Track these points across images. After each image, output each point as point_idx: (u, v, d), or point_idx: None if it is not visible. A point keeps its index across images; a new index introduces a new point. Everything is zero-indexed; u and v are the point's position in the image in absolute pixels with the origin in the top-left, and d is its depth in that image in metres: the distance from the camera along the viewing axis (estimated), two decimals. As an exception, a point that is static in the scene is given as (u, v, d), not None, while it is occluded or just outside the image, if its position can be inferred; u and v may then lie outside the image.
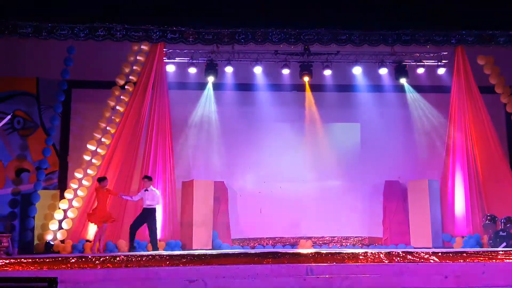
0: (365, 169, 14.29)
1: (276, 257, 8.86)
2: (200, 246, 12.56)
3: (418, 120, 14.53)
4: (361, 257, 8.85)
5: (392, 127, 14.53)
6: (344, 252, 9.07)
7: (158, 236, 12.58)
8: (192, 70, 13.96)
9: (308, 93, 14.50)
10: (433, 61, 14.25)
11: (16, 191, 12.98)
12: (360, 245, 14.01)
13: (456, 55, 13.75)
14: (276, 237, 13.98)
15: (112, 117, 13.24)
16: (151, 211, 11.67)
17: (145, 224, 11.69)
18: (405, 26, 11.82)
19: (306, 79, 14.12)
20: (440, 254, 8.95)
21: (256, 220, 13.98)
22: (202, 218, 12.88)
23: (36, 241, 12.37)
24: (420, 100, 14.57)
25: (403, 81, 14.31)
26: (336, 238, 14.08)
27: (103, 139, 13.04)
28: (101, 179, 11.73)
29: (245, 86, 14.38)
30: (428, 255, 8.88)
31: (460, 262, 8.85)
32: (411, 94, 14.54)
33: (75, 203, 12.58)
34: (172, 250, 12.22)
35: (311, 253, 9.01)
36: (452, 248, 12.38)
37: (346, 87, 14.55)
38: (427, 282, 8.35)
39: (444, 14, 11.57)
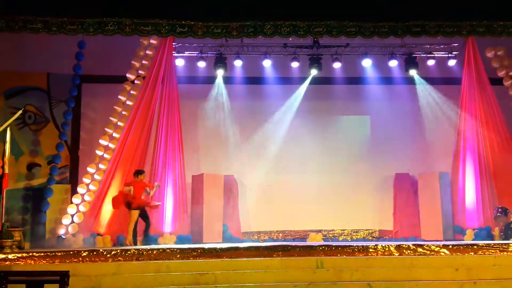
0: (375, 161, 14.26)
1: (286, 250, 8.90)
2: (211, 239, 12.59)
3: (428, 112, 14.45)
4: (371, 250, 8.87)
5: (402, 119, 14.46)
6: (354, 245, 9.07)
7: (169, 229, 12.69)
8: (201, 64, 13.95)
9: (318, 86, 14.48)
10: (444, 52, 14.14)
11: (29, 186, 13.08)
12: (370, 238, 14.01)
13: (467, 46, 13.64)
14: (286, 230, 14.00)
15: (122, 112, 13.28)
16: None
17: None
18: (415, 17, 11.72)
19: (314, 72, 14.09)
20: (450, 246, 8.95)
21: (266, 214, 14.00)
22: (212, 211, 12.90)
23: (48, 235, 12.47)
24: (431, 92, 14.48)
25: (413, 72, 14.23)
26: (346, 231, 14.08)
27: (114, 134, 13.09)
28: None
29: (254, 79, 14.36)
30: (438, 248, 8.88)
31: (471, 254, 8.85)
32: (421, 86, 14.46)
33: (86, 197, 12.66)
34: (183, 243, 12.27)
35: (321, 246, 9.03)
36: (463, 240, 12.33)
37: (355, 79, 14.49)
38: (437, 275, 8.34)
39: (455, 5, 11.48)
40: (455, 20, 11.79)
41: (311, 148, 14.31)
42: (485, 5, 11.55)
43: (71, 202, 12.63)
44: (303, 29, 11.73)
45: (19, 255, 8.47)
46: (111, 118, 13.16)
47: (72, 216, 12.46)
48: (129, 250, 8.79)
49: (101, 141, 13.00)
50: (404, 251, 8.89)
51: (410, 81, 14.51)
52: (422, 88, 14.43)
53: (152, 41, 13.42)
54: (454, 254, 8.84)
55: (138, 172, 11.83)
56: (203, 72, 14.15)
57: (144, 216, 11.66)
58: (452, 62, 14.10)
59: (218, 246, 9.52)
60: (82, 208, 12.58)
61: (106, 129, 13.09)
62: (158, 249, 8.84)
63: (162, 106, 13.36)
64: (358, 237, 14.02)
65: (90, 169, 12.82)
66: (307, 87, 14.45)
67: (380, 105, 14.44)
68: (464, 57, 13.74)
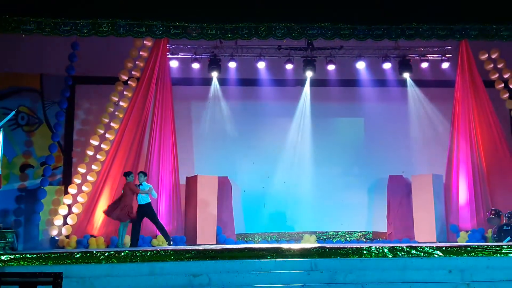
0: (369, 163, 14.30)
1: (280, 252, 8.88)
2: (205, 241, 12.58)
3: (422, 114, 14.50)
4: (365, 251, 8.86)
5: (396, 121, 14.51)
6: (348, 246, 9.07)
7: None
8: (196, 66, 13.95)
9: (312, 88, 14.49)
10: (437, 55, 14.22)
11: (22, 187, 13.02)
12: (364, 239, 14.03)
13: (460, 49, 13.72)
14: (280, 232, 13.99)
15: (116, 113, 13.25)
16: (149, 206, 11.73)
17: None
18: (409, 20, 11.76)
19: (309, 74, 14.12)
20: (444, 248, 8.95)
21: (260, 215, 14.01)
22: (206, 213, 12.89)
23: (41, 236, 12.41)
24: (424, 95, 14.53)
25: (406, 75, 14.30)
26: (340, 232, 14.09)
27: (106, 135, 13.06)
28: (128, 174, 11.75)
29: (248, 81, 14.39)
30: (432, 250, 8.88)
31: (464, 256, 8.84)
32: (413, 88, 14.50)
33: (79, 199, 12.61)
34: (177, 245, 12.25)
35: (315, 248, 9.02)
36: (457, 242, 12.37)
37: (349, 81, 14.52)
38: (431, 277, 8.36)
39: (448, 8, 11.53)
40: (448, 23, 11.82)
41: (305, 150, 14.33)
42: (478, 9, 11.60)
43: (63, 203, 12.58)
44: (298, 31, 11.74)
45: (12, 256, 8.42)
46: (102, 119, 13.13)
47: (65, 217, 12.41)
48: (123, 251, 8.75)
49: (92, 141, 12.96)
50: (398, 253, 8.88)
51: (404, 83, 14.56)
52: (415, 91, 14.48)
53: (146, 42, 13.40)
54: (447, 256, 8.84)
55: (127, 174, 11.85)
56: (197, 74, 14.15)
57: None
58: (445, 65, 14.16)
59: (212, 247, 9.50)
60: (74, 209, 12.54)
61: (98, 130, 13.04)
62: (151, 251, 8.81)
63: (156, 107, 13.35)
64: (352, 239, 14.04)
65: (81, 169, 12.79)
66: (302, 90, 14.48)
67: (374, 107, 14.48)
68: (458, 60, 13.80)
